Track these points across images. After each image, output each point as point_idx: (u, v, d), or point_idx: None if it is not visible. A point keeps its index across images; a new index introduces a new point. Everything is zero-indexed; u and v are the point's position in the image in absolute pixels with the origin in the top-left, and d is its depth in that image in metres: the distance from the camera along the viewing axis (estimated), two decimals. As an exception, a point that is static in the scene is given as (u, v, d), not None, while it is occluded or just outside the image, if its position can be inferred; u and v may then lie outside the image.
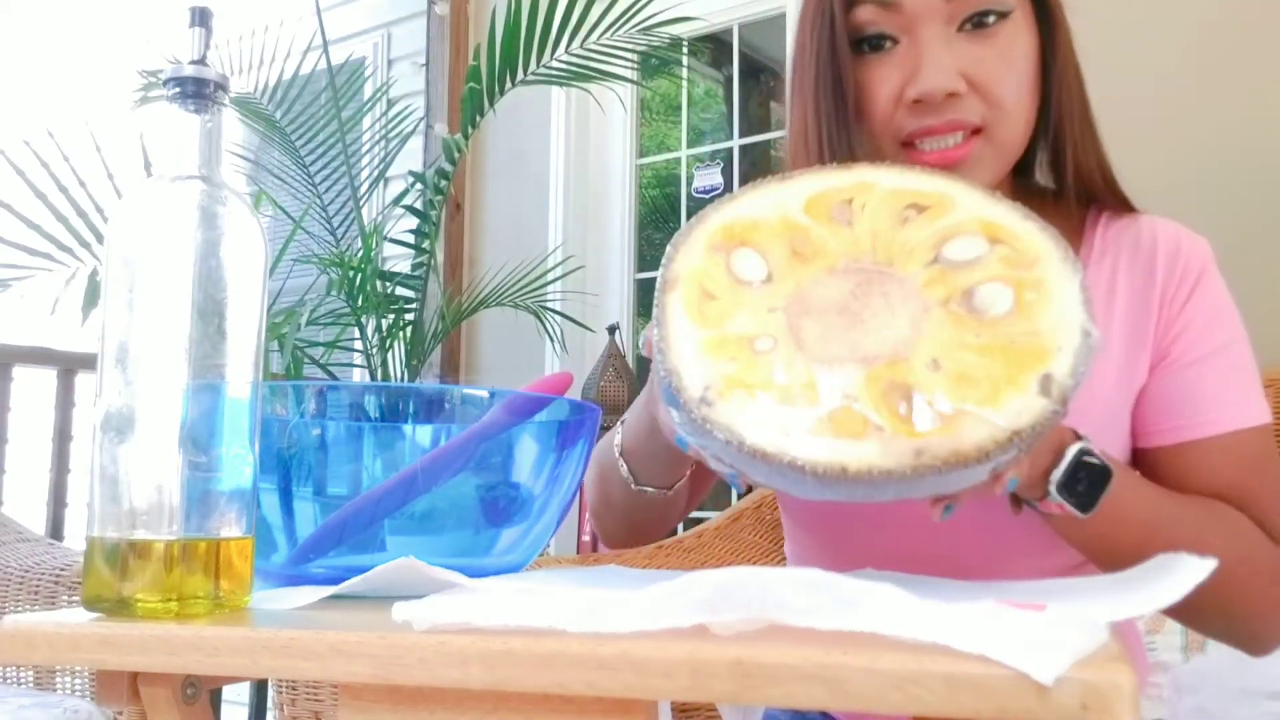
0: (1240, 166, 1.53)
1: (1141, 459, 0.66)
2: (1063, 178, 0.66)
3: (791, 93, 0.67)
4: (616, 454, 0.67)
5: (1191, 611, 0.60)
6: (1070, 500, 0.53)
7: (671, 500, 0.69)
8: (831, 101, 0.62)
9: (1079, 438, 0.54)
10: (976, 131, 0.61)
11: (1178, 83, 1.60)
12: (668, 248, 0.49)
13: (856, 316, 0.45)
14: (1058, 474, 0.52)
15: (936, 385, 0.42)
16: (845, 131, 0.63)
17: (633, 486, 0.67)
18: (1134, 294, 0.66)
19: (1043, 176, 0.70)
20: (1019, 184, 0.70)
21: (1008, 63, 0.61)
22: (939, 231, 0.48)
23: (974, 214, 0.48)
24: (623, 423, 0.68)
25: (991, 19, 0.60)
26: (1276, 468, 0.64)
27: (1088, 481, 0.53)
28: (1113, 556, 0.57)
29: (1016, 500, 0.55)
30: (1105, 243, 0.68)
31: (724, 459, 0.45)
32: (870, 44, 0.62)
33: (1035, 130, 0.65)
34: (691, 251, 0.48)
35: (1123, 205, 0.69)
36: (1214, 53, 1.58)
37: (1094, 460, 0.53)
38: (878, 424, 0.41)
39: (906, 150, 0.63)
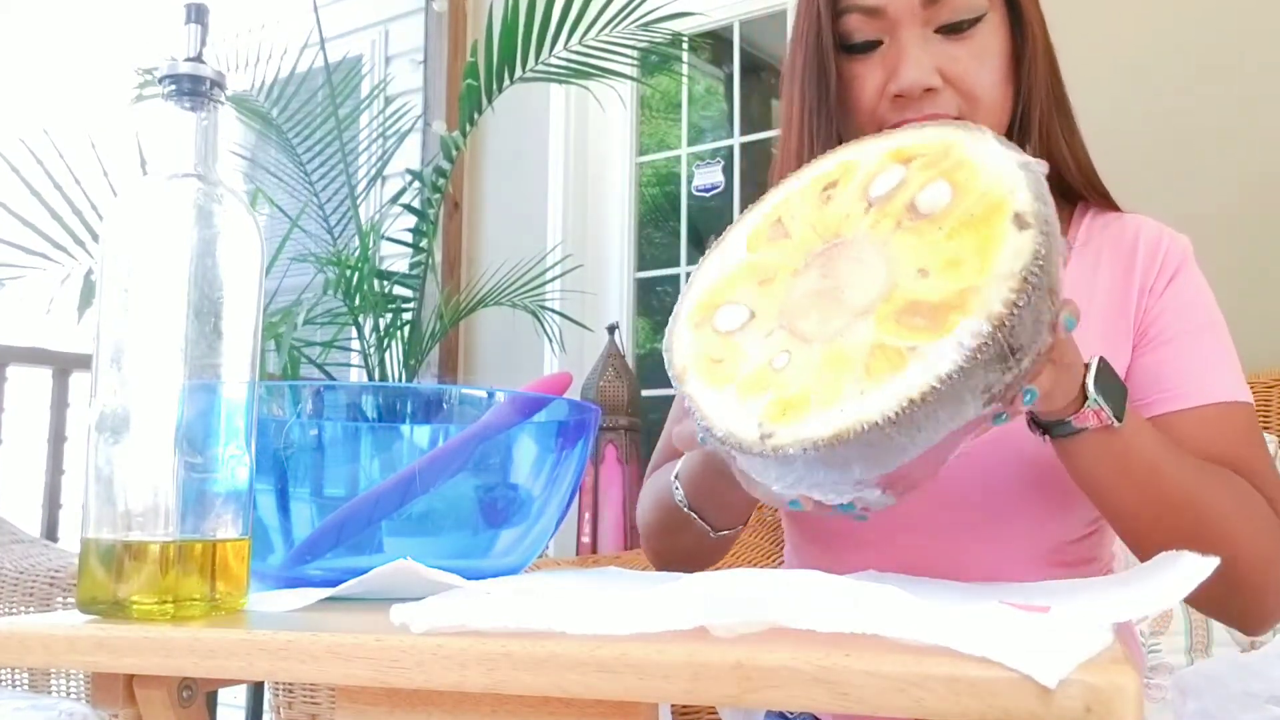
0: (1232, 169, 1.53)
1: None
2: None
3: (782, 98, 0.72)
4: (685, 510, 0.68)
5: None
6: (1107, 402, 0.54)
7: (725, 542, 0.72)
8: (816, 95, 0.68)
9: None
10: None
11: (1163, 82, 1.60)
12: (664, 352, 0.53)
13: (836, 290, 0.48)
14: (1091, 374, 0.54)
15: (934, 286, 0.45)
16: (831, 124, 0.68)
17: (712, 536, 0.69)
18: (1114, 282, 0.69)
19: None
20: None
21: (981, 60, 0.66)
22: (857, 186, 0.52)
23: (877, 154, 0.52)
24: (676, 477, 0.68)
25: (965, 24, 0.66)
26: (1263, 443, 0.66)
27: (1116, 387, 0.55)
28: (1127, 494, 0.58)
29: (1043, 429, 0.57)
30: (1090, 233, 0.72)
31: (815, 479, 0.45)
32: (856, 49, 0.68)
33: (1013, 123, 0.69)
34: (682, 339, 0.52)
35: (1105, 202, 0.73)
36: (1203, 52, 1.58)
37: (1113, 370, 0.55)
38: (909, 346, 0.43)
39: None
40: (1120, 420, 0.55)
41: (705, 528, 0.68)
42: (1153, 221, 0.71)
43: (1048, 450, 0.59)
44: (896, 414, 0.42)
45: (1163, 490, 0.57)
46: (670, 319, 0.54)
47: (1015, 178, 0.46)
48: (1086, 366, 0.54)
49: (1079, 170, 0.71)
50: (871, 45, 0.67)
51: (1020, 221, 0.44)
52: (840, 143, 0.65)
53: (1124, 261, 0.69)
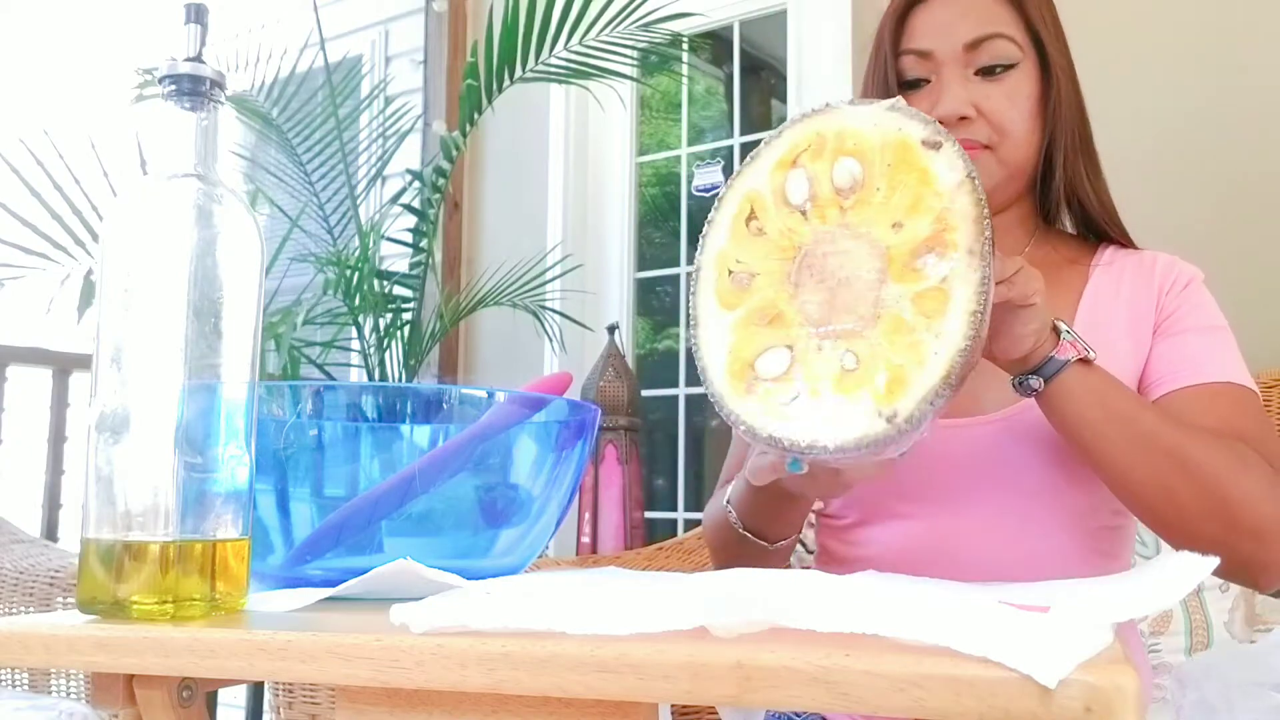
0: (1232, 168, 1.54)
1: None
2: (1073, 213, 0.82)
3: None
4: (740, 531, 0.74)
5: (1198, 524, 0.64)
6: (1076, 338, 0.64)
7: (783, 551, 0.77)
8: None
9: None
10: (985, 148, 0.76)
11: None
12: (734, 425, 0.54)
13: (842, 282, 0.53)
14: (1059, 321, 0.64)
15: (915, 227, 0.51)
16: None
17: (770, 548, 0.74)
18: (1136, 293, 0.78)
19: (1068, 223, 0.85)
20: (1043, 224, 0.84)
21: (1012, 100, 0.77)
22: (774, 204, 0.56)
23: (766, 172, 0.56)
24: (727, 503, 0.75)
25: (999, 69, 0.77)
26: (1272, 427, 0.71)
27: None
28: (1111, 433, 0.65)
29: (1030, 378, 0.64)
30: (1113, 258, 0.81)
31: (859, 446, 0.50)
32: (911, 85, 0.80)
33: (1041, 160, 0.79)
34: (744, 408, 0.54)
35: (1126, 240, 0.83)
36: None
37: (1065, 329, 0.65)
38: (939, 278, 0.50)
39: None
40: (1093, 352, 0.64)
41: (761, 543, 0.73)
42: (1167, 255, 0.81)
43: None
44: (973, 330, 0.48)
45: (1144, 431, 0.64)
46: (708, 393, 0.55)
47: (891, 118, 0.53)
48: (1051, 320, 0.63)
49: (1102, 209, 0.81)
50: (922, 83, 0.79)
51: (929, 144, 0.52)
52: None
53: (1145, 278, 0.78)
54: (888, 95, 0.76)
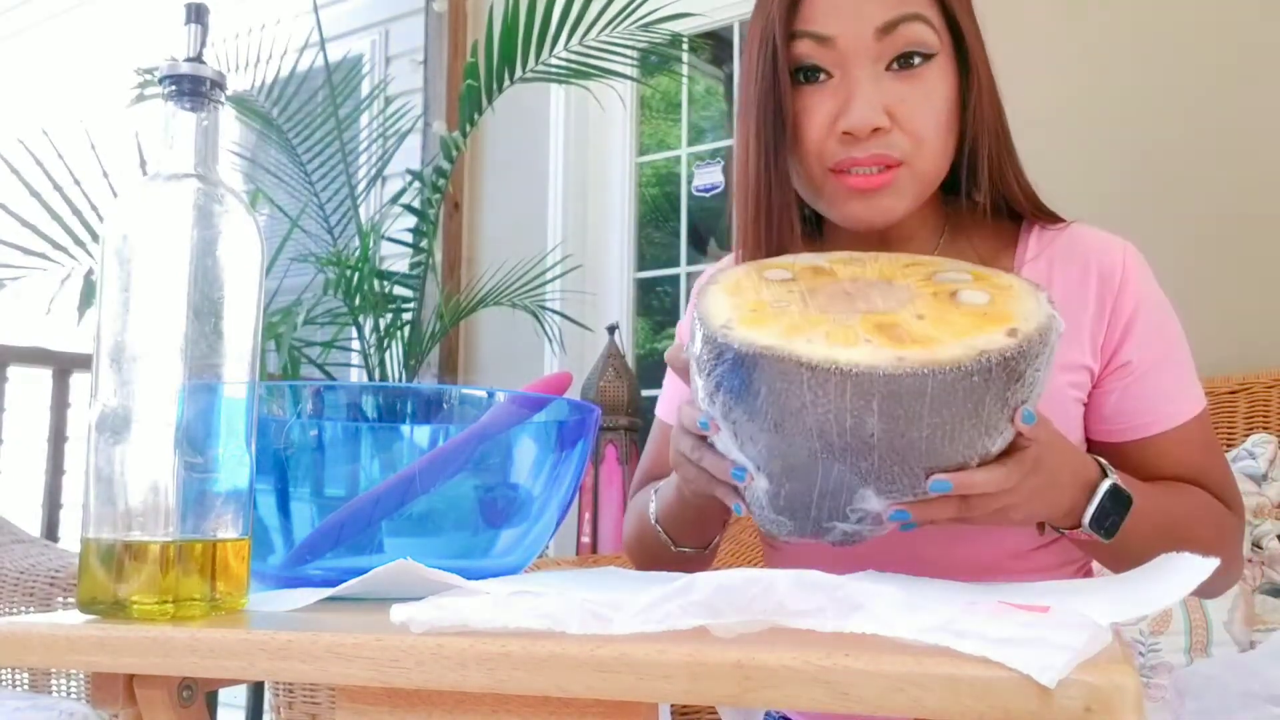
0: (1231, 167, 1.54)
1: (1106, 450, 0.70)
2: (988, 196, 0.73)
3: (736, 119, 0.73)
4: (653, 523, 0.73)
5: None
6: (1100, 532, 0.59)
7: (708, 556, 0.77)
8: (771, 128, 0.68)
9: (1105, 474, 0.60)
10: (899, 164, 0.67)
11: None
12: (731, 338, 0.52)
13: (854, 298, 0.53)
14: (1090, 511, 0.59)
15: (919, 326, 0.50)
16: (781, 156, 0.69)
17: (673, 550, 0.73)
18: (1068, 291, 0.72)
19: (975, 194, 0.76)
20: (947, 202, 0.76)
21: (929, 101, 0.66)
22: (930, 268, 0.57)
23: (961, 268, 0.57)
24: (655, 490, 0.74)
25: (917, 60, 0.66)
26: (1218, 446, 0.73)
27: (1114, 513, 0.60)
28: (1121, 560, 0.64)
29: (1042, 526, 0.62)
30: (1039, 246, 0.74)
31: (729, 385, 0.49)
32: (806, 75, 0.67)
33: (959, 163, 0.72)
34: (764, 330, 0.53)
35: (1050, 218, 0.74)
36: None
37: (1121, 490, 0.60)
38: (868, 339, 0.48)
39: (835, 176, 0.68)
40: (1110, 538, 0.60)
41: (666, 541, 0.72)
42: (1093, 231, 0.73)
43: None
44: (818, 364, 0.46)
45: (1147, 541, 0.62)
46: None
47: (1037, 315, 0.50)
48: (1094, 491, 0.59)
49: (1025, 198, 0.73)
50: (820, 74, 0.67)
51: (1011, 331, 0.49)
52: (786, 177, 0.70)
53: (1077, 270, 0.71)
54: (775, 89, 0.67)
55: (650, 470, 0.82)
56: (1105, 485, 0.59)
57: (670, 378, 0.84)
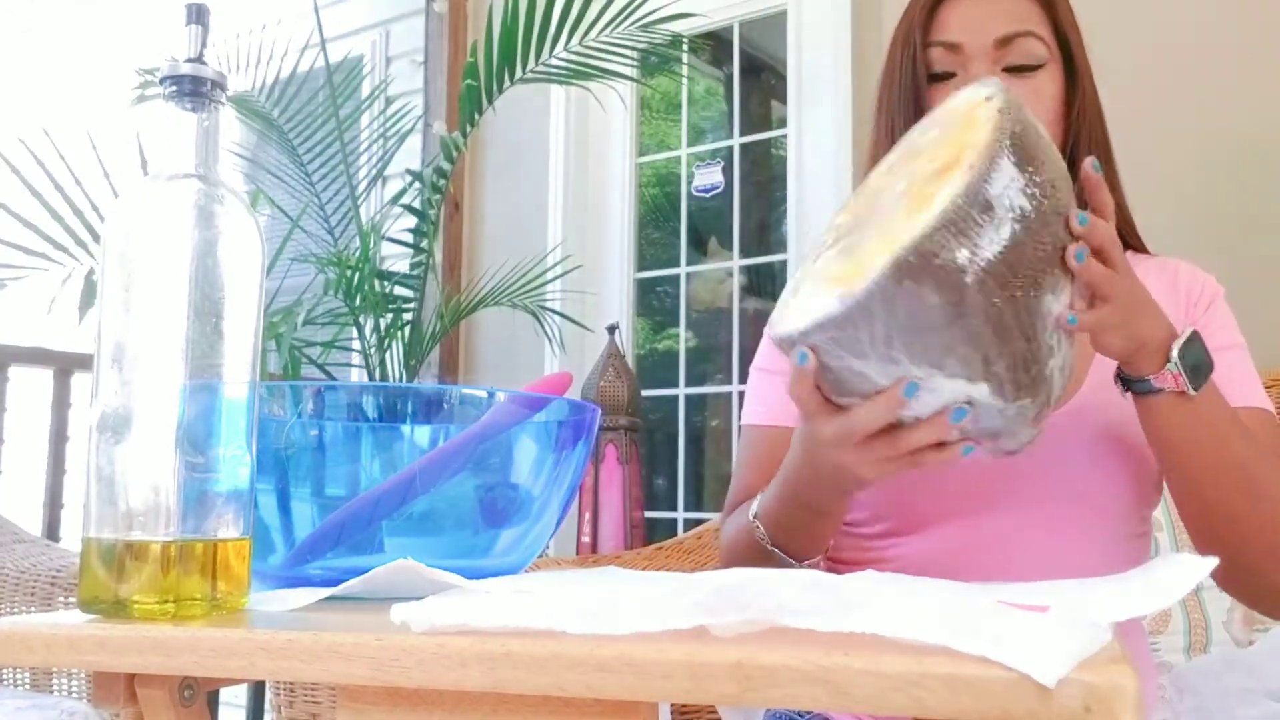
0: (1231, 167, 1.54)
1: None
2: None
3: (876, 114, 0.85)
4: (768, 547, 0.72)
5: (1238, 551, 0.66)
6: (1188, 373, 0.62)
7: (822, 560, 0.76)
8: (909, 121, 0.75)
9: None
10: None
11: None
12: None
13: (864, 217, 0.58)
14: (1179, 342, 0.62)
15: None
16: None
17: (799, 566, 0.72)
18: (1160, 300, 0.74)
19: None
20: None
21: (1039, 97, 0.77)
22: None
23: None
24: (753, 515, 0.73)
25: (1027, 69, 0.78)
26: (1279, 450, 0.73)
27: (1203, 362, 0.63)
28: (1192, 455, 0.65)
29: (1126, 382, 0.64)
30: (1133, 264, 0.78)
31: (904, 318, 0.51)
32: (938, 78, 0.80)
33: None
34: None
35: (1140, 245, 0.84)
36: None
37: (1204, 346, 0.63)
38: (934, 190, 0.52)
39: None
40: (1196, 390, 0.62)
41: (790, 560, 0.71)
42: (1186, 263, 0.82)
43: (1120, 430, 0.69)
44: (941, 223, 0.49)
45: (1223, 457, 0.65)
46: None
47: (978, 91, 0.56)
48: (1178, 332, 0.62)
49: (1121, 219, 0.81)
50: (950, 76, 0.79)
51: (986, 100, 0.54)
52: None
53: (1168, 284, 0.79)
54: (914, 87, 0.80)
55: (752, 485, 0.79)
56: (1189, 329, 0.62)
57: (757, 383, 0.86)
